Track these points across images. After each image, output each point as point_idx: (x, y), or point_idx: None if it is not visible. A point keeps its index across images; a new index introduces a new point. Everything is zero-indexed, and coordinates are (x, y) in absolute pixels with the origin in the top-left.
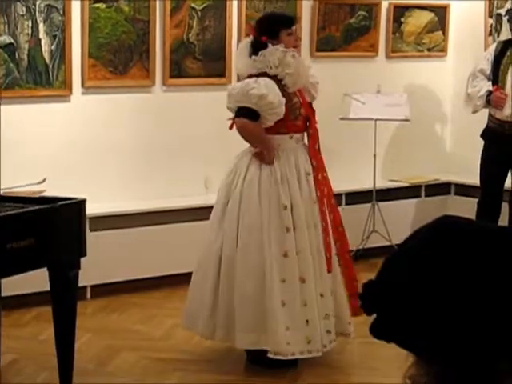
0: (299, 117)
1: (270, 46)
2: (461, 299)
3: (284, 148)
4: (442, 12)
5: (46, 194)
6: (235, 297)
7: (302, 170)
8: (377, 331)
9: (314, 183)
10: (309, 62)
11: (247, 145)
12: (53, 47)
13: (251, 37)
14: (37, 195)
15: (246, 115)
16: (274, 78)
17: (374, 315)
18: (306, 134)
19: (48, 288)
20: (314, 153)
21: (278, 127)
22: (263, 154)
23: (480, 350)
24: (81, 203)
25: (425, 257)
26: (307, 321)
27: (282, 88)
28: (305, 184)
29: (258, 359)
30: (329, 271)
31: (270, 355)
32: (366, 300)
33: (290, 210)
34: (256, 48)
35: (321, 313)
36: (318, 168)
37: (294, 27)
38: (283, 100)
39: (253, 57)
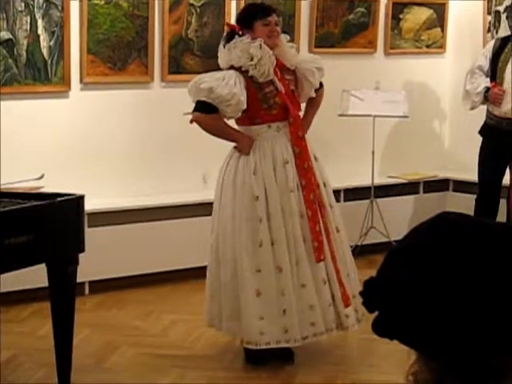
0: (274, 106)
1: (236, 37)
2: (462, 295)
3: (263, 138)
4: (440, 9)
5: (44, 189)
6: (221, 286)
7: (278, 158)
8: (379, 329)
9: (298, 171)
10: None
11: None
12: (51, 43)
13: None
14: (35, 191)
15: (200, 109)
16: (240, 69)
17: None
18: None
19: (46, 284)
20: (297, 140)
21: (251, 118)
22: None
23: (482, 346)
24: (79, 199)
25: (426, 253)
26: (284, 310)
27: (251, 79)
28: (281, 173)
29: (254, 358)
30: (318, 260)
31: (244, 345)
32: (367, 297)
33: (265, 200)
34: (228, 40)
35: (303, 304)
36: (302, 156)
37: (270, 18)
38: (239, 92)
39: (223, 49)
